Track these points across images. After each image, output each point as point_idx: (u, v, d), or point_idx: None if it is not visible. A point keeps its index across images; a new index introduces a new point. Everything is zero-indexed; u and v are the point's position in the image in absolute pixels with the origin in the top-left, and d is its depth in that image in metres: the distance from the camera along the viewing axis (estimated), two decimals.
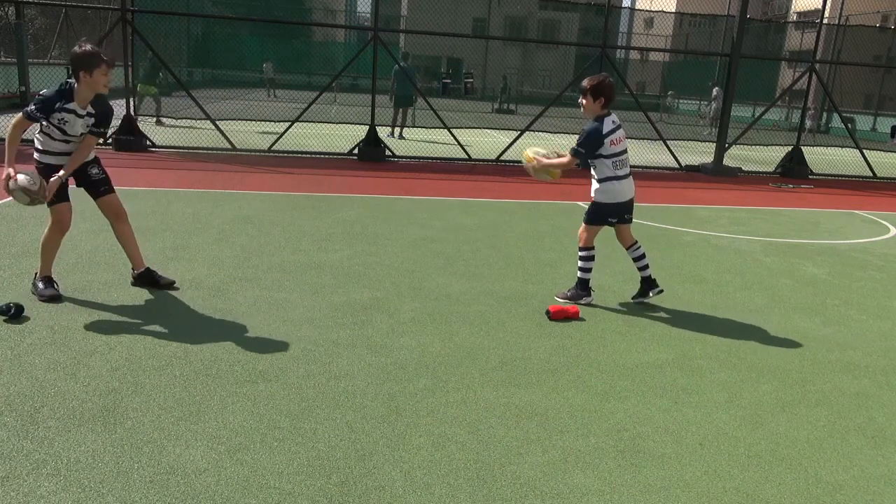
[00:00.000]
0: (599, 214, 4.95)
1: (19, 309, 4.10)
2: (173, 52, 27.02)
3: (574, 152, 4.79)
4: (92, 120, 4.38)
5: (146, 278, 4.75)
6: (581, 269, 5.03)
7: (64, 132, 4.32)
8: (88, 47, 4.22)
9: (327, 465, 2.82)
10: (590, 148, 4.74)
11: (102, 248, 5.48)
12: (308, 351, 3.91)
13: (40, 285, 4.45)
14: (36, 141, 4.39)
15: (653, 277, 5.12)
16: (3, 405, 3.12)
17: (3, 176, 4.25)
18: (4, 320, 4.02)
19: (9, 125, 4.32)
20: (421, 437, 3.08)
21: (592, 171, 4.88)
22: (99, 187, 4.56)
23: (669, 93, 35.18)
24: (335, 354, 3.89)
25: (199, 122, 13.01)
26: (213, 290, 4.80)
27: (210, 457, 2.82)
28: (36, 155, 4.41)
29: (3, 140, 4.51)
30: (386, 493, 2.67)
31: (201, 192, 8.21)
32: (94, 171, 4.55)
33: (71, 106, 4.25)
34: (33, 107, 4.22)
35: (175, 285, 4.79)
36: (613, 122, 4.78)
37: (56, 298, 4.39)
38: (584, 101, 4.78)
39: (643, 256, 5.09)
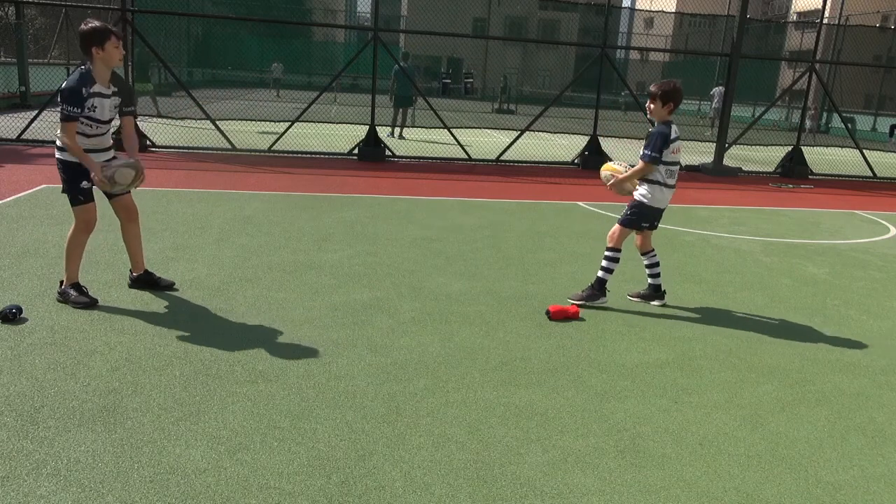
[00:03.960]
0: (639, 217, 4.88)
1: (19, 309, 4.10)
2: (173, 52, 27.01)
3: (649, 158, 4.72)
4: (118, 99, 4.33)
5: (145, 280, 4.74)
6: (604, 268, 4.96)
7: (95, 120, 4.22)
8: (95, 23, 4.16)
9: (327, 465, 2.82)
10: (660, 151, 4.70)
11: (102, 249, 5.47)
12: (308, 351, 3.91)
13: (73, 293, 4.34)
14: (59, 141, 4.24)
15: (663, 289, 5.14)
16: (3, 405, 3.12)
17: (98, 177, 4.17)
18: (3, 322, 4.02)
19: (63, 140, 4.15)
20: (421, 437, 3.08)
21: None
22: None
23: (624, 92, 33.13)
24: (335, 354, 3.89)
25: (199, 121, 13.02)
26: (213, 290, 4.80)
27: (210, 457, 2.82)
28: (59, 154, 4.27)
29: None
30: (386, 493, 2.67)
31: (201, 192, 8.21)
32: None
33: (96, 88, 4.17)
34: (67, 106, 4.06)
35: (174, 287, 4.79)
36: (676, 130, 4.80)
37: (93, 304, 4.30)
38: (651, 106, 4.77)
39: (657, 265, 5.10)
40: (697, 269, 6.22)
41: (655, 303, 5.12)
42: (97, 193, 4.39)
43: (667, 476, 2.91)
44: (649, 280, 5.14)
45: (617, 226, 4.98)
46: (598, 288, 4.97)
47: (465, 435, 3.12)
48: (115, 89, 4.31)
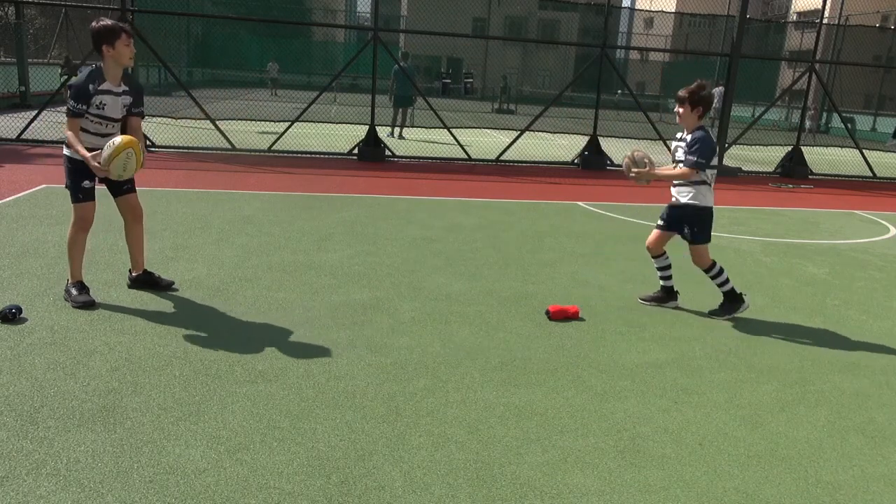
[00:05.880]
0: (708, 225, 4.76)
1: (18, 309, 4.10)
2: (173, 52, 27.02)
3: (695, 165, 4.59)
4: (129, 98, 4.35)
5: (144, 281, 4.74)
6: (720, 283, 4.88)
7: (104, 118, 4.26)
8: (107, 21, 4.20)
9: (327, 465, 2.82)
10: (709, 158, 4.61)
11: (102, 248, 5.47)
12: (308, 351, 3.91)
13: (73, 291, 4.37)
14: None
15: (675, 290, 5.12)
16: (3, 405, 3.12)
17: (93, 165, 4.12)
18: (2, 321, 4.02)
19: (66, 134, 4.20)
20: (420, 437, 3.08)
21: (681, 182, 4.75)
22: (123, 185, 4.52)
23: (619, 91, 30.80)
24: (335, 354, 3.89)
25: (198, 121, 13.02)
26: (213, 290, 4.80)
27: (210, 457, 2.82)
28: (66, 151, 4.30)
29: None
30: (386, 493, 2.67)
31: (201, 192, 8.21)
32: None
33: (105, 86, 4.21)
34: (72, 102, 4.12)
35: (174, 287, 4.79)
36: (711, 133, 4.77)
37: (90, 305, 4.31)
38: (680, 111, 4.65)
39: (668, 267, 5.06)
40: (697, 269, 6.20)
41: (669, 305, 5.09)
42: (101, 193, 4.40)
43: (667, 476, 2.91)
44: (661, 283, 5.10)
45: (697, 247, 4.83)
46: (732, 300, 4.90)
47: (465, 435, 3.12)
48: (126, 88, 4.34)
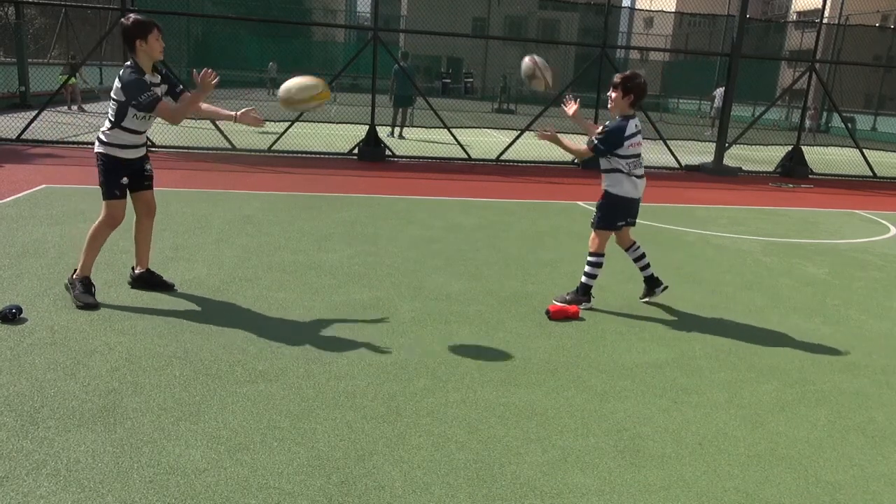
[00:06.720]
0: (611, 212, 4.80)
1: (19, 309, 4.10)
2: (173, 52, 26.99)
3: (594, 148, 4.66)
4: (165, 87, 4.40)
5: (146, 280, 4.75)
6: (587, 274, 4.90)
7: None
8: (138, 16, 4.28)
9: (327, 465, 2.82)
10: (610, 146, 4.64)
11: (102, 248, 5.46)
12: (308, 351, 3.91)
13: (79, 287, 4.36)
14: (104, 136, 4.32)
15: (655, 276, 5.11)
16: (3, 405, 3.12)
17: (252, 115, 4.36)
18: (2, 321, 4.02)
19: (176, 117, 4.27)
20: (420, 437, 3.08)
21: (603, 166, 4.79)
22: (144, 181, 4.60)
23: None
24: (335, 354, 3.89)
25: (198, 121, 13.01)
26: (213, 290, 4.80)
27: (210, 457, 2.82)
28: (102, 149, 4.32)
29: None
30: (385, 493, 2.67)
31: (201, 192, 8.21)
32: (148, 166, 4.63)
33: (147, 78, 4.26)
34: (142, 95, 4.13)
35: (174, 287, 4.79)
36: (636, 125, 4.73)
37: (93, 307, 4.29)
38: (612, 95, 4.66)
39: (643, 256, 5.06)
40: (697, 269, 6.22)
41: (658, 291, 5.08)
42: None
43: (666, 476, 2.92)
44: (642, 274, 5.11)
45: (592, 231, 4.92)
46: (583, 293, 4.92)
47: (465, 435, 3.12)
48: (159, 79, 4.40)
